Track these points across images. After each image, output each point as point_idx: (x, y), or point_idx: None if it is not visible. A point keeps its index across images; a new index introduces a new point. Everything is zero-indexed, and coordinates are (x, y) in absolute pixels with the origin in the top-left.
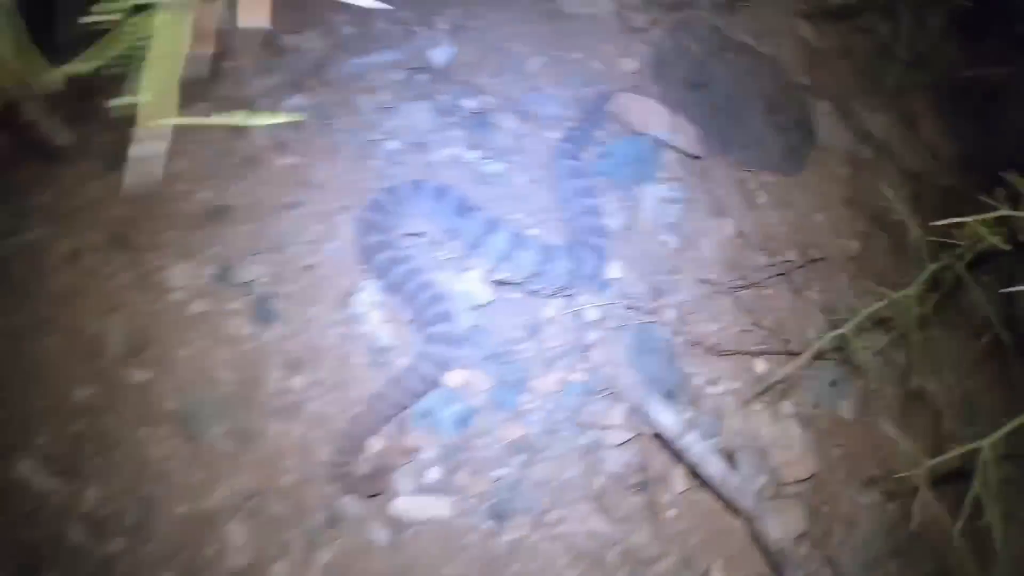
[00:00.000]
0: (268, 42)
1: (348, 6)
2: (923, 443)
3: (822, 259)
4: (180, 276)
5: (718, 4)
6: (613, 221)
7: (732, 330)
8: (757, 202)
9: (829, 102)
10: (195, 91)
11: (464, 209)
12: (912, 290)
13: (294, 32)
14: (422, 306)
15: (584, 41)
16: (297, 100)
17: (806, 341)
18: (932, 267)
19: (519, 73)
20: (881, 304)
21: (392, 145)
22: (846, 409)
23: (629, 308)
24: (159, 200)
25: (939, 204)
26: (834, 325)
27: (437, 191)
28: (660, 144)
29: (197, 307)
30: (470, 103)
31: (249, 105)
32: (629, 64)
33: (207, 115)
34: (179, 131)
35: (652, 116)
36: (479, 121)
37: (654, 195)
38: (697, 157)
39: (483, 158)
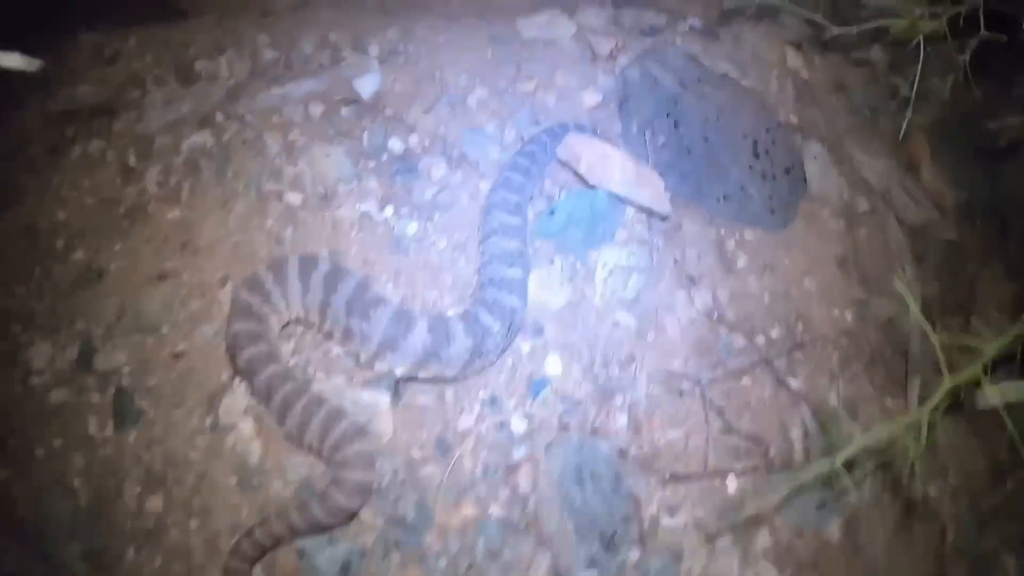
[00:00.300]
0: (181, 67)
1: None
2: (924, 565)
3: (810, 338)
4: (42, 356)
5: (696, 29)
6: (554, 297)
7: (698, 437)
8: (736, 267)
9: (821, 144)
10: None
11: (362, 294)
12: (922, 408)
13: (210, 56)
14: (301, 420)
15: (538, 70)
16: (201, 138)
17: (788, 447)
18: (948, 383)
19: (457, 108)
20: (884, 430)
21: (293, 198)
22: (834, 529)
23: (567, 416)
24: (35, 256)
25: (944, 263)
26: (823, 424)
27: (330, 274)
28: (620, 200)
29: (57, 396)
30: (395, 144)
31: (150, 143)
32: (589, 98)
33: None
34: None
35: (611, 165)
36: (402, 167)
37: (609, 263)
38: (664, 217)
39: (399, 216)
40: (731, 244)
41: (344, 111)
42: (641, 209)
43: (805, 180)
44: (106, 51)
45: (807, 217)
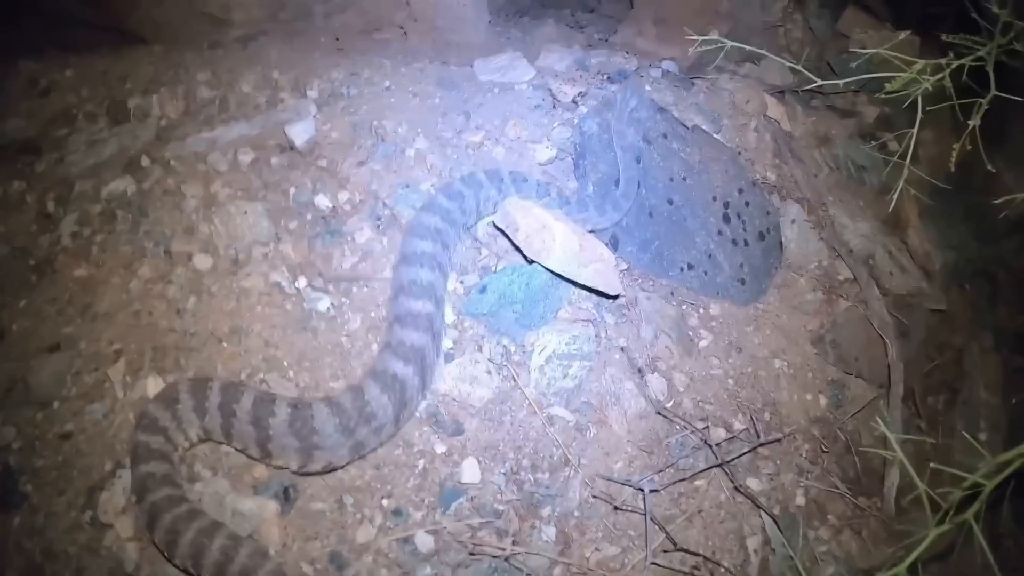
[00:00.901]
0: (114, 104)
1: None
2: None
3: (776, 431)
4: None
5: (669, 74)
6: (479, 390)
7: (634, 556)
8: (697, 348)
9: (800, 206)
10: None
11: (259, 405)
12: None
13: (144, 93)
14: (184, 539)
15: (489, 119)
16: (123, 184)
17: (744, 560)
18: (933, 532)
19: (393, 161)
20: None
21: (202, 262)
22: None
23: (484, 530)
24: None
25: (930, 337)
26: (786, 531)
27: (224, 390)
28: (561, 279)
29: None
30: (322, 201)
31: (70, 188)
32: (542, 152)
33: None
34: None
35: (552, 238)
36: (324, 229)
37: (548, 347)
38: (614, 296)
39: (313, 288)
40: (693, 320)
41: (275, 160)
42: (588, 290)
43: (781, 246)
44: (42, 82)
45: (781, 288)
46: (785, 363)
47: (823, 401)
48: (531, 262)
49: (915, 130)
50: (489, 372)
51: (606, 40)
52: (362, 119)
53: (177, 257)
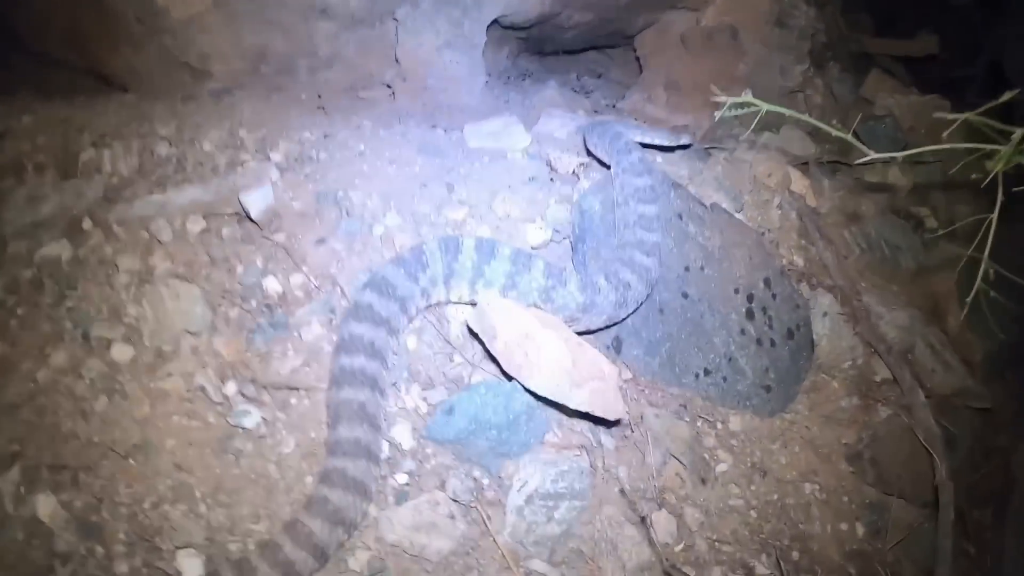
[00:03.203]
0: (66, 156)
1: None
2: None
3: (806, 572)
4: None
5: (683, 144)
6: (437, 540)
7: None
8: (715, 472)
9: (831, 295)
10: None
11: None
12: None
13: (99, 145)
14: None
15: (476, 192)
16: (57, 249)
17: None
18: None
19: (357, 240)
20: None
21: (121, 353)
22: None
23: None
24: None
25: (977, 444)
26: None
27: None
28: (548, 403)
29: None
30: (271, 285)
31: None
32: (535, 234)
33: None
34: None
35: (537, 349)
36: (268, 321)
37: (530, 484)
38: (613, 423)
39: (243, 397)
40: (710, 440)
41: (226, 231)
42: (580, 415)
43: (812, 345)
44: None
45: (811, 393)
46: (817, 486)
47: (860, 530)
48: (511, 378)
49: (995, 216)
50: (452, 516)
51: (613, 106)
52: (328, 188)
53: (96, 344)
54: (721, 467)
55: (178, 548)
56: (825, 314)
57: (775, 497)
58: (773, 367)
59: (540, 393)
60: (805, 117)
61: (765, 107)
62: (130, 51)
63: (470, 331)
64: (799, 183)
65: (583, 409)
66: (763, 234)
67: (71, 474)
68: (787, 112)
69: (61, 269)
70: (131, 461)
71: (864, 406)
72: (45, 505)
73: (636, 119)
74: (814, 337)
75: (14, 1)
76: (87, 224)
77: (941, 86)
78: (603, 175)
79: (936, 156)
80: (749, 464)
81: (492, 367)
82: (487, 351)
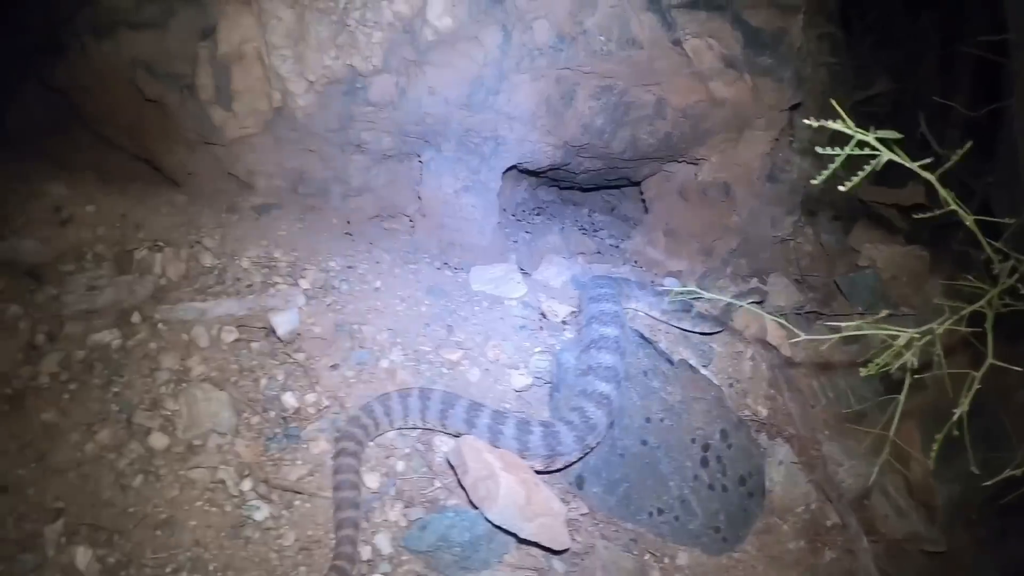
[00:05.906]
0: (122, 252)
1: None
2: None
3: None
4: None
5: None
6: None
7: None
8: None
9: (789, 446)
10: None
11: None
12: None
13: (152, 247)
14: None
15: (471, 335)
16: (109, 336)
17: None
18: None
19: (366, 370)
20: None
21: (158, 442)
22: None
23: None
24: None
25: None
26: None
27: None
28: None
29: None
30: (289, 400)
31: (59, 327)
32: (518, 379)
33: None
34: None
35: (496, 488)
36: (283, 432)
37: None
38: (560, 552)
39: (256, 493)
40: (655, 573)
41: (255, 345)
42: (530, 544)
43: (764, 491)
44: (64, 212)
45: (762, 534)
46: None
47: None
48: (476, 507)
49: (898, 411)
50: None
51: (617, 247)
52: (345, 319)
53: (136, 429)
54: None
55: None
56: (780, 463)
57: None
58: (724, 510)
59: (496, 522)
60: (746, 304)
61: (707, 295)
62: (185, 153)
63: (448, 463)
64: (775, 334)
65: (531, 538)
66: (731, 385)
67: (107, 534)
68: (724, 299)
69: (110, 356)
70: (158, 532)
71: (811, 549)
72: (83, 556)
73: (636, 261)
74: (768, 483)
75: (86, 91)
76: (136, 318)
77: (929, 233)
78: (598, 323)
79: (912, 308)
80: None
81: (463, 495)
82: (460, 484)
